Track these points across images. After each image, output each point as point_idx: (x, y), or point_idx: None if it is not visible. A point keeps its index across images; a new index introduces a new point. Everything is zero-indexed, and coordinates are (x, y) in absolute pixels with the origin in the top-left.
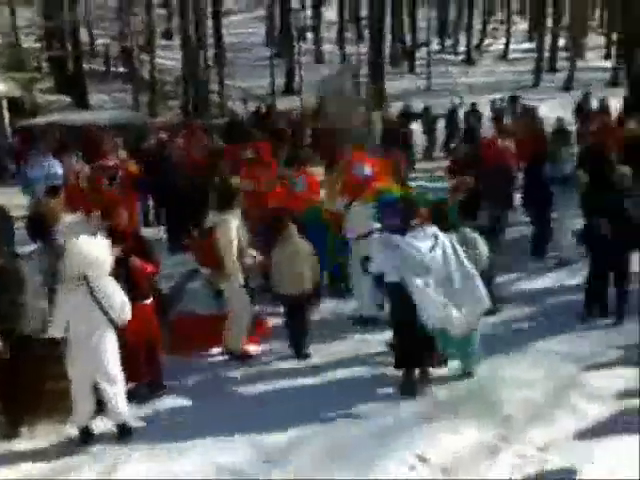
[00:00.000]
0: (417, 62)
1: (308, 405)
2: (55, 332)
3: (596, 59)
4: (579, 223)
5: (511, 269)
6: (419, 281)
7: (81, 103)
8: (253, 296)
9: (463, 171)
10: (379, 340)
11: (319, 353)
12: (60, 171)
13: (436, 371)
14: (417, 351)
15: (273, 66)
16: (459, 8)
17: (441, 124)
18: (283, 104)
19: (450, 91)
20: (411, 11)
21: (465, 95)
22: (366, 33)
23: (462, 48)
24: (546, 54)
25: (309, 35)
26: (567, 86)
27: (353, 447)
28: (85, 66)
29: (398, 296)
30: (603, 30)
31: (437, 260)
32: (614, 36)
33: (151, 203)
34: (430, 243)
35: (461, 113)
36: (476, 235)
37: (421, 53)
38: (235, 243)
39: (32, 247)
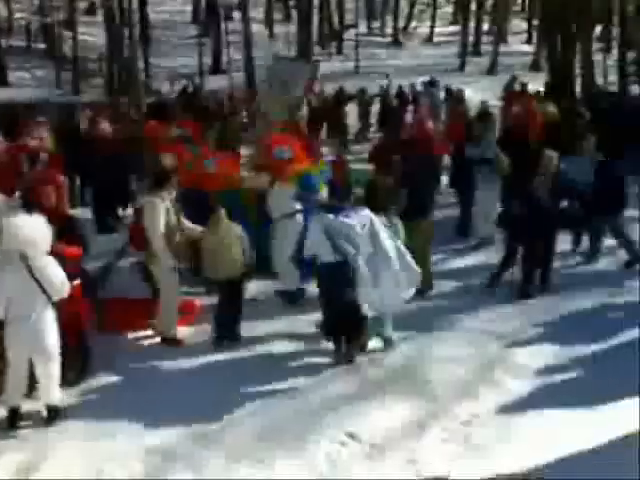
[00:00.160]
0: (345, 43)
1: (239, 385)
2: None
3: (518, 43)
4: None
5: (437, 249)
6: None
7: (0, 80)
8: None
9: (383, 156)
10: (309, 320)
11: (249, 333)
12: None
13: (366, 351)
14: (346, 322)
15: (200, 45)
16: None
17: (376, 106)
18: (211, 84)
19: (378, 73)
20: None
21: (393, 77)
22: (294, 13)
23: (389, 30)
24: (470, 38)
25: (236, 14)
26: (491, 70)
27: (284, 426)
28: (3, 42)
29: (330, 275)
30: (525, 15)
31: (367, 239)
32: (535, 21)
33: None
34: (362, 222)
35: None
36: (397, 220)
37: (349, 35)
38: (162, 224)
39: None
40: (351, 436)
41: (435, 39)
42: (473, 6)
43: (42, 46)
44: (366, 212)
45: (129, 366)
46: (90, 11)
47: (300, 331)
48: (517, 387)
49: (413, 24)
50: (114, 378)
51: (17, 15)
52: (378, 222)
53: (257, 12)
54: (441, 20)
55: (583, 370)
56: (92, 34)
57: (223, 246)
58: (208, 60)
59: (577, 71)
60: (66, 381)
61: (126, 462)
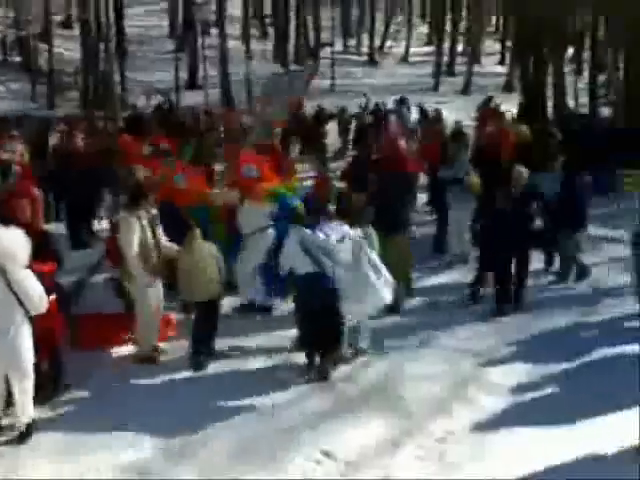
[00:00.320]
0: (321, 62)
1: (214, 401)
2: None
3: (492, 64)
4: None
5: (413, 267)
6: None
7: None
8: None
9: (355, 174)
10: (284, 336)
11: (224, 349)
12: None
13: (342, 368)
14: (321, 336)
15: (177, 60)
16: (362, 9)
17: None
18: (187, 99)
19: (354, 92)
20: (315, 10)
21: (368, 96)
22: (270, 30)
23: (365, 49)
24: (445, 58)
25: (213, 30)
26: (465, 90)
27: (259, 443)
28: None
29: (308, 287)
30: (498, 36)
31: (345, 251)
32: (508, 43)
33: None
34: (339, 236)
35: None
36: (373, 231)
37: (325, 53)
38: (136, 242)
39: None
40: (326, 454)
41: (410, 59)
42: (448, 27)
43: (17, 59)
44: (344, 226)
45: (103, 382)
46: (66, 24)
47: (275, 347)
48: (491, 404)
49: (389, 43)
50: (88, 394)
51: None
52: (356, 234)
53: (234, 28)
54: (417, 40)
55: (556, 388)
56: (68, 47)
57: (198, 269)
58: (184, 75)
59: (549, 93)
60: (39, 397)
61: (100, 479)
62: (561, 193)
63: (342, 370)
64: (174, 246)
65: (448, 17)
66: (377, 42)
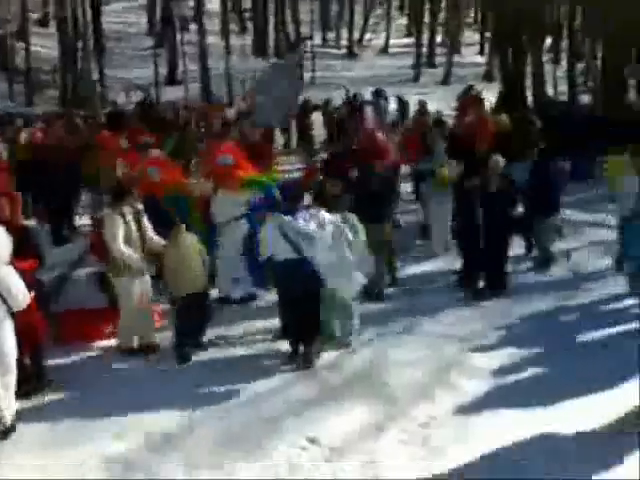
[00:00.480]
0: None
1: (199, 391)
2: None
3: (471, 55)
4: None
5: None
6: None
7: None
8: None
9: (335, 165)
10: (267, 325)
11: (208, 338)
12: None
13: (326, 355)
14: (303, 323)
15: (156, 56)
16: (341, 2)
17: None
18: (167, 94)
19: (335, 84)
20: (294, 4)
21: (348, 89)
22: (250, 25)
23: (344, 42)
24: (424, 49)
25: (192, 26)
26: (445, 80)
27: (244, 432)
28: None
29: (287, 273)
30: (477, 27)
31: (324, 237)
32: (487, 33)
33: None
34: (318, 222)
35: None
36: (353, 216)
37: (304, 46)
38: (121, 235)
39: None
40: (311, 440)
41: (390, 50)
42: (426, 18)
43: None
44: (322, 212)
45: (86, 375)
46: (43, 22)
47: (259, 336)
48: (473, 388)
49: (368, 36)
50: (71, 388)
51: None
52: (335, 220)
53: (213, 24)
54: (396, 32)
55: (537, 371)
56: (45, 45)
57: (184, 263)
58: (163, 71)
59: (528, 82)
60: (22, 392)
61: (85, 473)
62: (532, 180)
63: (326, 357)
64: (160, 241)
65: (427, 8)
66: (356, 35)
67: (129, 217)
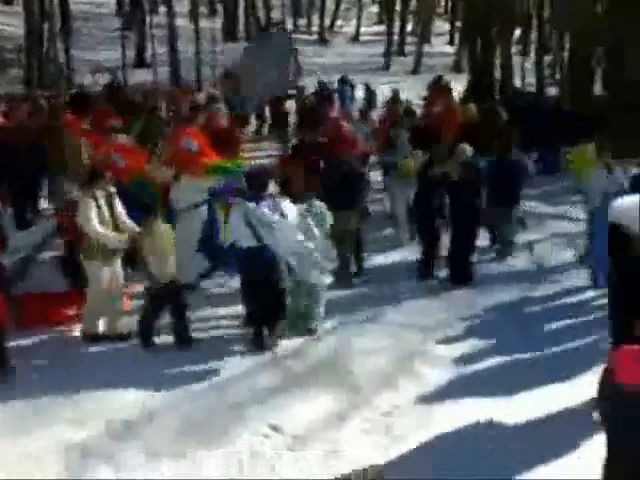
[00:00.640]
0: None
1: (161, 377)
2: None
3: (441, 44)
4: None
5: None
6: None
7: None
8: None
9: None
10: (232, 311)
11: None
12: None
13: (290, 343)
14: (267, 309)
15: (124, 38)
16: None
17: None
18: (135, 77)
19: (305, 70)
20: None
21: (318, 75)
22: (219, 8)
23: (315, 28)
24: (395, 37)
25: (161, 8)
26: (415, 70)
27: (207, 419)
28: None
29: (252, 259)
30: (448, 16)
31: (287, 226)
32: (458, 23)
33: None
34: (282, 211)
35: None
36: (323, 207)
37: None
38: (95, 218)
39: None
40: (274, 428)
41: (361, 38)
42: (398, 6)
43: None
44: (286, 202)
45: (46, 361)
46: (8, 0)
47: (223, 322)
48: (436, 377)
49: (339, 22)
50: (30, 374)
51: None
52: (299, 209)
53: (182, 6)
54: (367, 19)
55: (499, 360)
56: (11, 24)
57: (159, 252)
58: (131, 53)
59: (497, 73)
60: None
61: (43, 460)
62: (492, 172)
63: (291, 345)
64: (134, 225)
65: None
66: (327, 21)
67: (101, 201)
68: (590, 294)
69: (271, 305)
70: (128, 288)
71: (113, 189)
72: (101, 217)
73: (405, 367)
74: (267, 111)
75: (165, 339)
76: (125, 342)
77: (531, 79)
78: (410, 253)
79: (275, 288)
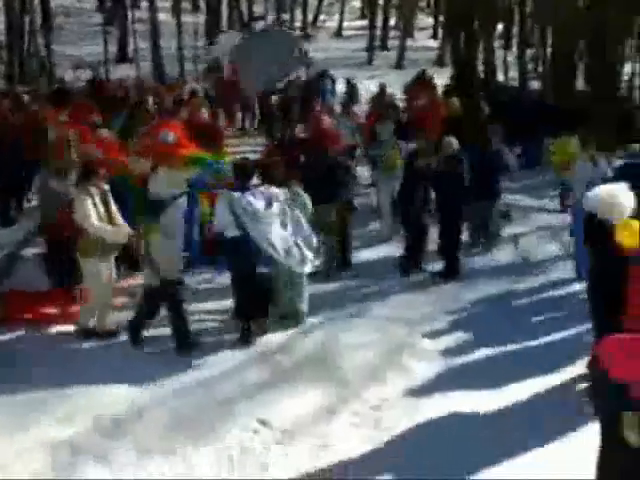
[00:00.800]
0: None
1: (150, 373)
2: None
3: (424, 39)
4: None
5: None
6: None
7: None
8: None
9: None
10: (219, 306)
11: (159, 320)
12: None
13: (278, 338)
14: (254, 302)
15: (106, 33)
16: None
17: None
18: (118, 72)
19: None
20: None
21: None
22: (202, 3)
23: (298, 23)
24: (378, 32)
25: (143, 3)
26: (398, 64)
27: (196, 415)
28: None
29: (237, 250)
30: (430, 10)
31: (272, 216)
32: (441, 17)
33: None
34: (267, 200)
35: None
36: (303, 193)
37: (258, 27)
38: (93, 214)
39: None
40: (263, 423)
41: (344, 33)
42: (380, 0)
43: None
44: (272, 189)
45: (33, 357)
46: None
47: (211, 318)
48: (423, 370)
49: (322, 17)
50: (17, 371)
51: None
52: (283, 196)
53: (164, 1)
54: (350, 14)
55: (486, 352)
56: None
57: (170, 256)
58: (114, 49)
59: (479, 67)
60: None
61: (31, 458)
62: (472, 165)
63: (278, 340)
64: (125, 226)
65: None
66: (310, 16)
67: (97, 198)
68: (576, 286)
69: (255, 297)
70: (118, 284)
71: (107, 186)
72: (97, 214)
73: (393, 361)
74: (256, 107)
75: (153, 334)
76: (114, 338)
77: (514, 73)
78: (397, 247)
79: (261, 280)
